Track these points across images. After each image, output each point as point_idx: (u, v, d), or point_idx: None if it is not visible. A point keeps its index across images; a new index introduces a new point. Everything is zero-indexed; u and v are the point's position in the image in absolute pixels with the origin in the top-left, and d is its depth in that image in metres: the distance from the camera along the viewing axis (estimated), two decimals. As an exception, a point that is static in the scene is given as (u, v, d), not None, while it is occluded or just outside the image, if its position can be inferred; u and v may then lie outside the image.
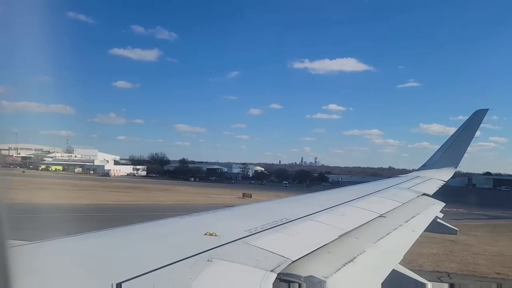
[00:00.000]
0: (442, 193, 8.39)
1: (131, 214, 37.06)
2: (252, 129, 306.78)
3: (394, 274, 3.14)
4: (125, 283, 1.88)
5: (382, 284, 2.84)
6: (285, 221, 3.50)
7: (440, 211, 6.55)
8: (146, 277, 1.99)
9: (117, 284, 1.86)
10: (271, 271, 2.30)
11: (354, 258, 3.02)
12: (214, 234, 2.86)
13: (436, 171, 10.97)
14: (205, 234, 2.86)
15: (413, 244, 4.08)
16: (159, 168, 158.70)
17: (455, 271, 20.70)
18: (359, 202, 5.13)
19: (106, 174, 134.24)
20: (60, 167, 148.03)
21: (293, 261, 2.54)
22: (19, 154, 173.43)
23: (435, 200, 7.29)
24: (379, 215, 4.57)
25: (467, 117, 12.05)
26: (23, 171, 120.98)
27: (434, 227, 5.71)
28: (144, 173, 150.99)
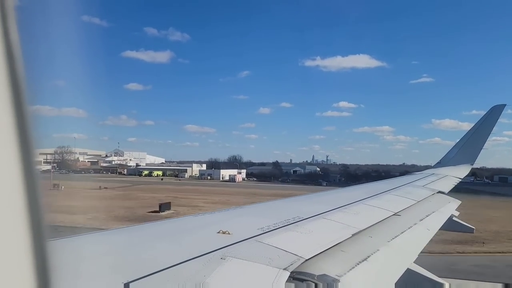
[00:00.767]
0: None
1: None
2: (261, 128, 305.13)
3: (408, 273, 3.11)
4: (140, 280, 1.92)
5: (396, 283, 2.82)
6: (298, 220, 3.50)
7: (456, 209, 6.45)
8: (161, 274, 2.02)
9: (132, 281, 1.89)
10: (284, 269, 2.31)
11: (368, 257, 2.99)
12: (227, 232, 2.89)
13: (452, 168, 10.80)
14: (218, 232, 2.89)
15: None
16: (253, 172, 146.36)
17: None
18: (372, 200, 5.09)
19: (232, 180, 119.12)
20: (160, 172, 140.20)
21: (306, 260, 2.54)
22: (85, 159, 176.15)
23: (451, 198, 7.18)
24: (393, 213, 4.53)
25: (481, 112, 11.88)
26: (162, 179, 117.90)
27: (449, 225, 5.64)
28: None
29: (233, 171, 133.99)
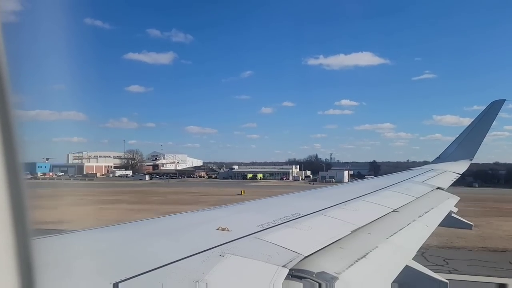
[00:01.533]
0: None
1: None
2: (263, 128, 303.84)
3: (407, 270, 3.12)
4: (138, 277, 1.91)
5: (394, 280, 2.82)
6: (297, 216, 3.50)
7: (454, 206, 6.47)
8: (159, 270, 2.02)
9: (126, 279, 1.89)
10: (283, 266, 2.31)
11: (367, 254, 3.00)
12: (226, 229, 2.88)
13: (451, 164, 10.81)
14: (218, 229, 2.88)
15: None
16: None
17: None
18: (371, 196, 5.10)
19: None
20: (262, 175, 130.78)
21: (305, 257, 2.53)
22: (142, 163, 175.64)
23: (450, 194, 7.19)
24: (392, 210, 4.53)
25: (481, 107, 11.84)
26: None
27: (448, 221, 5.66)
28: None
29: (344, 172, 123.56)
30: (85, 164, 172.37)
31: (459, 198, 7.06)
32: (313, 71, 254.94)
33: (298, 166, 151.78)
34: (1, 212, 0.83)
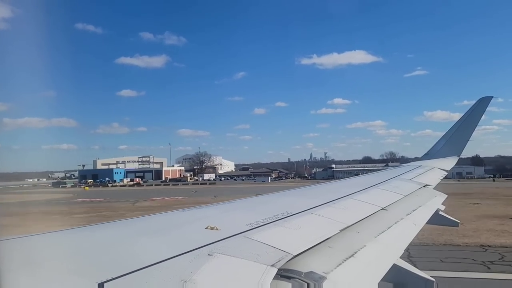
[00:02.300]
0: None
1: None
2: (256, 129, 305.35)
3: (395, 268, 3.14)
4: (124, 277, 1.89)
5: (382, 279, 2.84)
6: (287, 215, 3.50)
7: (442, 203, 6.54)
8: (146, 270, 1.99)
9: (117, 277, 1.86)
10: (272, 266, 2.30)
11: (355, 253, 3.01)
12: (215, 228, 2.87)
13: (439, 160, 10.93)
14: (206, 228, 2.87)
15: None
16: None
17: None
18: (361, 195, 5.13)
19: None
20: None
21: (294, 256, 2.53)
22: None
23: (437, 192, 7.27)
24: (381, 208, 4.56)
25: (472, 102, 11.96)
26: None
27: (435, 219, 5.71)
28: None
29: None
30: (164, 169, 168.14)
31: (446, 195, 7.14)
32: (306, 71, 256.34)
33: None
34: None
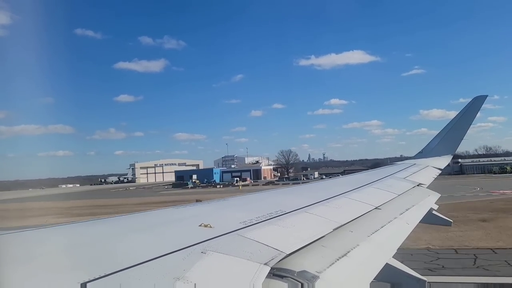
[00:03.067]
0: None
1: None
2: (252, 131, 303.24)
3: (387, 268, 3.16)
4: (117, 274, 1.88)
5: (375, 278, 2.85)
6: (280, 213, 3.50)
7: (435, 202, 6.57)
8: (139, 267, 1.98)
9: (108, 274, 1.85)
10: (265, 264, 2.30)
11: (348, 252, 3.02)
12: (209, 225, 2.86)
13: (433, 159, 10.96)
14: (200, 226, 2.86)
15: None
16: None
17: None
18: (354, 194, 5.13)
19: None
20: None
21: (287, 255, 2.53)
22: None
23: (431, 191, 7.30)
24: (375, 207, 4.57)
25: (468, 99, 11.95)
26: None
27: (428, 218, 5.73)
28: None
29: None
30: (262, 167, 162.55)
31: (440, 195, 7.18)
32: (304, 72, 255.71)
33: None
34: None
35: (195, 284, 1.94)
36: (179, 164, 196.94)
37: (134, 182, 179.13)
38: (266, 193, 5.31)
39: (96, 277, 1.82)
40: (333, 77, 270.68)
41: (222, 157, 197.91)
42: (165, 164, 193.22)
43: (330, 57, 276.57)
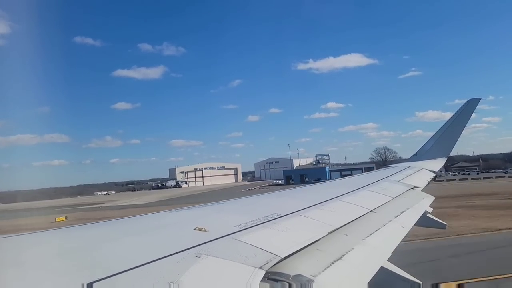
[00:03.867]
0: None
1: None
2: (248, 136, 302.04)
3: (382, 271, 3.16)
4: (110, 278, 1.87)
5: (369, 282, 2.85)
6: (275, 217, 3.50)
7: (429, 205, 6.59)
8: (133, 272, 1.98)
9: (102, 279, 1.84)
10: (260, 268, 2.30)
11: (343, 255, 3.02)
12: (203, 229, 2.86)
13: (427, 162, 11.01)
14: (195, 229, 2.85)
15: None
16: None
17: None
18: (349, 197, 5.14)
19: None
20: None
21: (282, 258, 2.53)
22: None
23: (425, 194, 7.32)
24: (369, 210, 4.58)
25: (463, 101, 12.04)
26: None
27: (423, 221, 5.75)
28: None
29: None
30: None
31: (434, 197, 7.20)
32: (302, 76, 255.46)
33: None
34: None
35: None
36: (218, 168, 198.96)
37: (188, 186, 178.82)
38: (261, 197, 5.31)
39: (90, 281, 1.81)
40: (331, 80, 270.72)
41: (265, 160, 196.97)
42: (204, 168, 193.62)
43: (328, 61, 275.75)
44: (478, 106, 11.58)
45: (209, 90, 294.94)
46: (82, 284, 1.77)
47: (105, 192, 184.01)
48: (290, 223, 3.39)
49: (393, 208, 5.22)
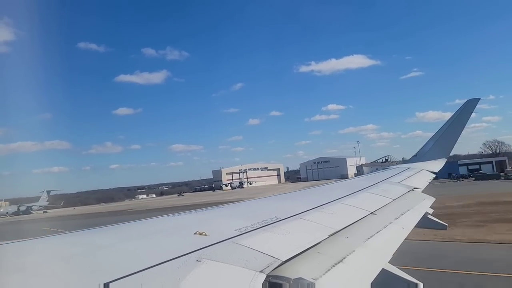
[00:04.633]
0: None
1: None
2: (249, 140, 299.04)
3: (383, 273, 3.15)
4: (112, 283, 1.86)
5: (371, 284, 2.84)
6: (276, 220, 3.49)
7: (430, 207, 6.58)
8: (134, 277, 1.97)
9: (104, 284, 1.84)
10: (261, 271, 2.30)
11: (344, 258, 3.01)
12: (204, 233, 2.85)
13: (427, 163, 11.00)
14: (195, 234, 2.85)
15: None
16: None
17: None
18: (349, 199, 5.13)
19: None
20: None
21: (283, 262, 2.53)
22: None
23: (426, 195, 7.31)
24: (370, 212, 4.58)
25: (463, 101, 12.01)
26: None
27: (424, 222, 5.74)
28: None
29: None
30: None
31: (435, 199, 7.19)
32: (304, 79, 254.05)
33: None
34: None
35: None
36: (262, 169, 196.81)
37: (248, 186, 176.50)
38: (261, 200, 5.31)
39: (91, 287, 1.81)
40: (332, 82, 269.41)
41: (313, 160, 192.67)
42: (249, 169, 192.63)
43: (330, 63, 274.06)
44: (477, 106, 11.59)
45: (210, 94, 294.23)
46: None
47: (146, 195, 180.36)
48: (291, 226, 3.38)
49: (394, 209, 5.21)
